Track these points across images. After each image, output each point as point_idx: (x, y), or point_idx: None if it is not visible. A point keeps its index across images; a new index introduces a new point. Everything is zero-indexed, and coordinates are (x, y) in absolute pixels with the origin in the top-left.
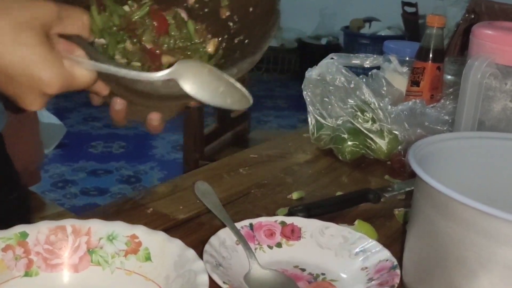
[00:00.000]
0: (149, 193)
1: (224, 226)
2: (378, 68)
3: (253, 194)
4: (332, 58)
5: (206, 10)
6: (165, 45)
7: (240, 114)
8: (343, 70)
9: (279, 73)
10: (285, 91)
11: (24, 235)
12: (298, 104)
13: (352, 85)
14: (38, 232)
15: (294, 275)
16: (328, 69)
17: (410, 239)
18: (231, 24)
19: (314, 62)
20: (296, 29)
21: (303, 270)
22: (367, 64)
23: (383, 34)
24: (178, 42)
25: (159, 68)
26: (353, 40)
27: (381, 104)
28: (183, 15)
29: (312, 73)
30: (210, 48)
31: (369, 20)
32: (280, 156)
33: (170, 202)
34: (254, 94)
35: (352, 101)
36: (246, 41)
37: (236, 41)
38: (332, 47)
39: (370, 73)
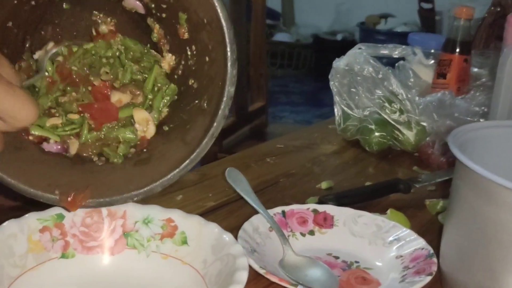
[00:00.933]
0: (178, 181)
1: (254, 213)
2: (403, 59)
3: (282, 183)
4: (360, 48)
5: (163, 15)
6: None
7: (258, 108)
8: (371, 60)
9: (294, 69)
10: (300, 87)
11: (61, 217)
12: (313, 100)
13: (380, 76)
14: (74, 214)
15: (328, 263)
16: (356, 59)
17: (449, 228)
18: (189, 53)
19: (329, 58)
20: (311, 25)
21: (337, 257)
22: (395, 54)
23: (399, 30)
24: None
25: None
26: (369, 36)
27: (409, 95)
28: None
29: (339, 63)
30: (165, 66)
31: (385, 16)
32: (306, 147)
33: (199, 189)
34: (268, 89)
35: (380, 92)
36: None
37: (190, 82)
38: (347, 43)
39: (396, 64)
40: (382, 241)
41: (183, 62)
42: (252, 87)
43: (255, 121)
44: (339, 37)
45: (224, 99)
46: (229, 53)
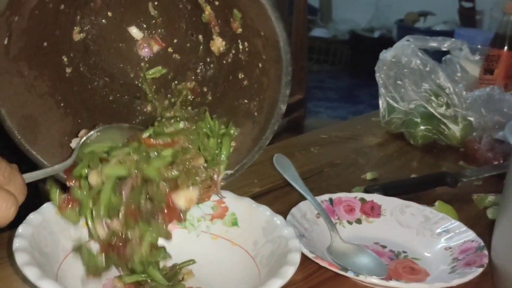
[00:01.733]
0: None
1: (300, 200)
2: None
3: (326, 173)
4: (408, 40)
5: (216, 2)
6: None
7: (296, 101)
8: (419, 53)
9: (330, 64)
10: (335, 83)
11: None
12: (348, 97)
13: (427, 69)
14: None
15: (375, 251)
16: (404, 51)
17: (503, 221)
18: (240, 47)
19: (366, 55)
20: (349, 20)
21: (384, 247)
22: (444, 47)
23: (438, 29)
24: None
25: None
26: (407, 34)
27: (456, 90)
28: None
29: (386, 55)
30: (215, 49)
31: (424, 14)
32: (350, 138)
33: (244, 175)
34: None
35: (427, 85)
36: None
37: (239, 76)
38: (385, 41)
39: (443, 58)
40: (430, 232)
41: (233, 52)
42: (292, 80)
43: (293, 114)
44: (376, 34)
45: (275, 115)
46: (283, 75)
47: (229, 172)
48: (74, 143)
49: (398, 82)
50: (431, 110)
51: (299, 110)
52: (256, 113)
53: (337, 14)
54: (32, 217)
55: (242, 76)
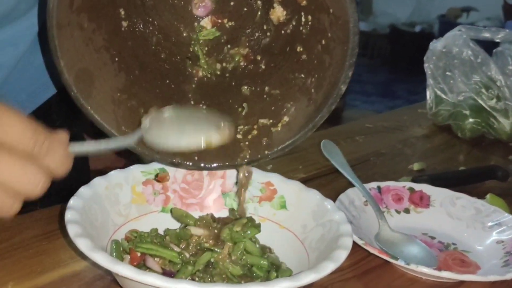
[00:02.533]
0: None
1: (346, 188)
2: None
3: (372, 162)
4: (460, 30)
5: None
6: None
7: None
8: (471, 44)
9: (369, 58)
10: (373, 77)
11: (163, 171)
12: (386, 91)
13: (478, 60)
14: (176, 170)
15: (424, 242)
16: (455, 41)
17: None
18: (303, 19)
19: (406, 49)
20: (389, 14)
21: (433, 238)
22: (498, 38)
23: (481, 25)
24: None
25: None
26: (449, 29)
27: (508, 83)
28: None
29: (437, 45)
30: (274, 18)
31: (467, 9)
32: (396, 128)
33: (289, 161)
34: None
35: (477, 77)
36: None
37: (298, 49)
38: (425, 36)
39: (494, 50)
40: (481, 225)
41: (294, 23)
42: None
43: None
44: (417, 28)
45: (334, 95)
46: (348, 56)
47: (280, 147)
48: (144, 121)
49: (447, 73)
50: (481, 102)
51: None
52: (313, 90)
53: (378, 7)
54: (83, 190)
55: (301, 49)
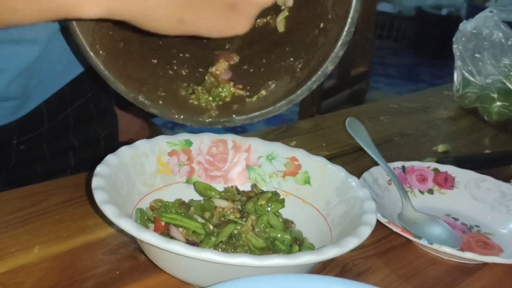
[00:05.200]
0: (291, 127)
1: (369, 167)
2: None
3: (396, 142)
4: (491, 11)
5: None
6: None
7: (360, 73)
8: (502, 26)
9: (393, 41)
10: (397, 60)
11: (189, 143)
12: (410, 74)
13: (509, 42)
14: (201, 142)
15: (447, 223)
16: (486, 23)
17: None
18: None
19: (431, 32)
20: None
21: (456, 219)
22: None
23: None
24: None
25: None
26: (476, 13)
27: None
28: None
29: (467, 26)
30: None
31: None
32: (421, 110)
33: (313, 138)
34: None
35: (507, 60)
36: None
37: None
38: (452, 19)
39: None
40: (506, 208)
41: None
42: (357, 51)
43: (355, 86)
44: (444, 11)
45: (318, 73)
46: (344, 34)
47: (250, 115)
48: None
49: (476, 55)
50: (510, 86)
51: (361, 83)
52: (298, 70)
53: None
54: (110, 158)
55: (296, 36)
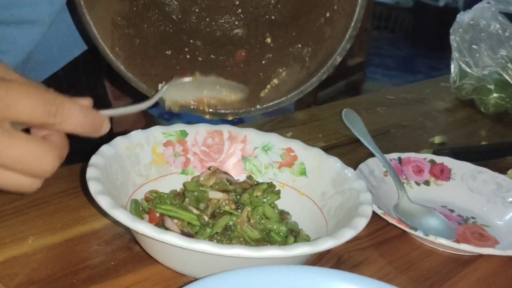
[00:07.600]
0: (287, 118)
1: (365, 158)
2: None
3: (393, 133)
4: (489, 3)
5: None
6: None
7: (356, 64)
8: (499, 17)
9: (390, 32)
10: (394, 51)
11: (184, 133)
12: (406, 65)
13: (506, 34)
14: (197, 133)
15: (443, 215)
16: (483, 14)
17: None
18: None
19: (429, 24)
20: None
21: (452, 211)
22: None
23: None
24: None
25: None
26: (474, 5)
27: None
28: None
29: (464, 17)
30: None
31: None
32: (417, 101)
33: (309, 129)
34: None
35: (504, 51)
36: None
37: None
38: (449, 10)
39: None
40: (502, 200)
41: None
42: (354, 42)
43: (352, 76)
44: (441, 3)
45: (328, 65)
46: (351, 29)
47: (264, 105)
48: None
49: (474, 46)
50: (507, 77)
51: (358, 73)
52: (307, 59)
53: None
54: (104, 149)
55: (303, 22)
